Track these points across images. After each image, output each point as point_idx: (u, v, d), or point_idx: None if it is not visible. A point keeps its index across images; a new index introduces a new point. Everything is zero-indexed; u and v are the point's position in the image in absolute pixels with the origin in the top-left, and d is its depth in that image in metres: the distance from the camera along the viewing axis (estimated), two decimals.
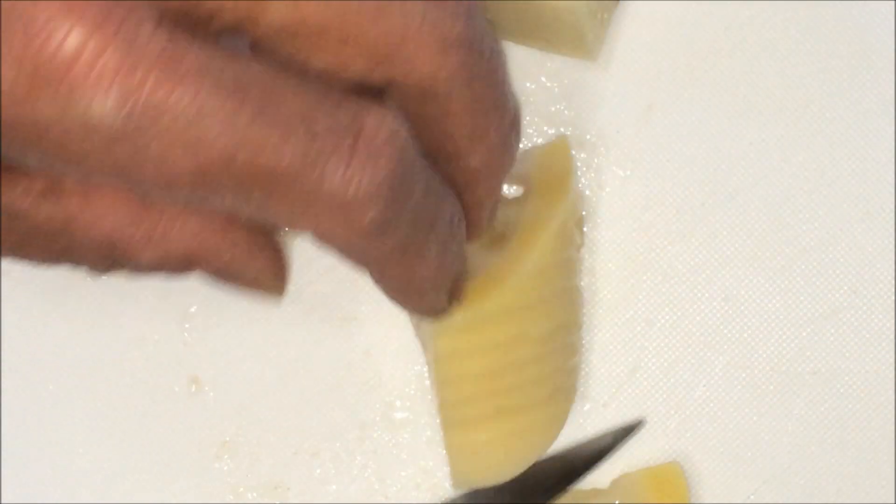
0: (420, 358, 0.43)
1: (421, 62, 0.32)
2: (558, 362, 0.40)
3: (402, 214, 0.33)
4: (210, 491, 0.43)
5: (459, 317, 0.38)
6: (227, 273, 0.37)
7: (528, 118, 0.43)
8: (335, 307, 0.43)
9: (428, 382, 0.43)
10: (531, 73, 0.43)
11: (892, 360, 0.43)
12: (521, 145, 0.37)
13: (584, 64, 0.43)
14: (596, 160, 0.43)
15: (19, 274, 0.43)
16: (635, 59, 0.43)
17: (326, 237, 0.32)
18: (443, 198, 0.35)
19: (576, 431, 0.43)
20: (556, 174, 0.41)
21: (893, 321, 0.43)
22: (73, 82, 0.28)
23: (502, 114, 0.35)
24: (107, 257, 0.35)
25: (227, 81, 0.30)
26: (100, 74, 0.28)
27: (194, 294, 0.43)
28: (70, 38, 0.28)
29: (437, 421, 0.42)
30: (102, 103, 0.28)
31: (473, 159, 0.35)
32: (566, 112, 0.43)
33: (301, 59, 0.32)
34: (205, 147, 0.30)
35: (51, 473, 0.43)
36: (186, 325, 0.43)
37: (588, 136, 0.43)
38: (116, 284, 0.43)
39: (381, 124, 0.32)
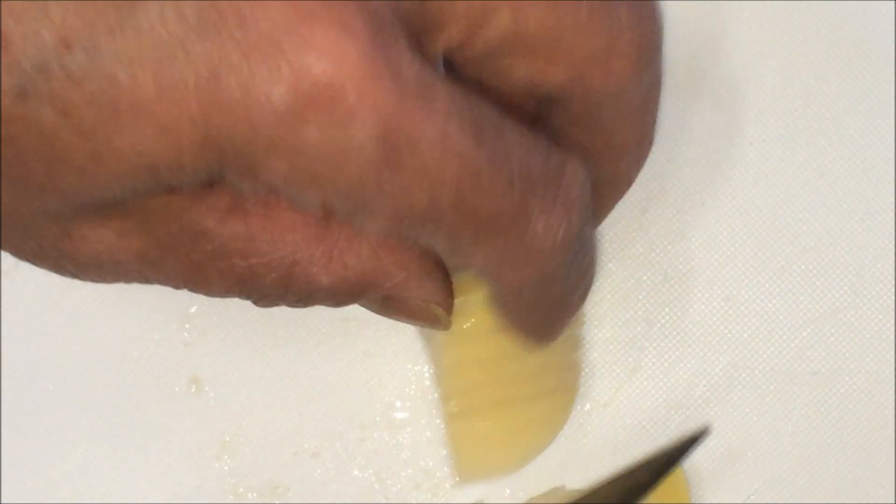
0: (420, 358, 0.43)
1: (619, 73, 0.33)
2: (561, 354, 0.40)
3: (576, 263, 0.34)
4: (210, 491, 0.43)
5: (465, 303, 0.38)
6: (395, 298, 0.36)
7: None
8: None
9: (429, 382, 0.43)
10: None
11: (892, 360, 0.43)
12: None
13: None
14: None
15: (19, 274, 0.43)
16: None
17: (503, 278, 0.33)
18: (594, 245, 0.36)
19: (576, 432, 0.43)
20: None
21: (893, 321, 0.43)
22: (346, 109, 0.28)
23: (655, 115, 0.36)
24: (284, 281, 0.34)
25: (469, 119, 0.30)
26: (372, 103, 0.28)
27: (194, 294, 0.43)
28: (348, 65, 0.28)
29: (438, 421, 0.43)
30: (367, 131, 0.28)
31: (622, 162, 0.36)
32: None
33: (496, 81, 0.32)
34: (441, 185, 0.29)
35: (51, 473, 0.43)
36: (186, 325, 0.43)
37: None
38: (117, 284, 0.43)
39: (576, 174, 0.32)
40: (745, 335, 0.43)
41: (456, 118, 0.29)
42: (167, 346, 0.43)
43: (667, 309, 0.43)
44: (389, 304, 0.37)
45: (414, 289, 0.36)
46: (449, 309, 0.37)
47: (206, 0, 0.27)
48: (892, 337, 0.43)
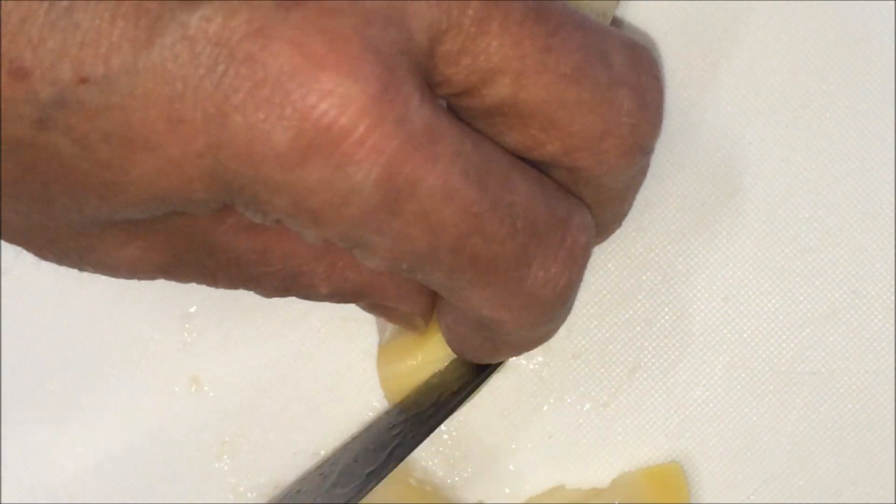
0: None
1: (609, 158, 0.33)
2: None
3: (568, 307, 0.34)
4: (210, 491, 0.43)
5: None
6: (384, 307, 0.38)
7: None
8: (335, 307, 0.43)
9: None
10: None
11: (892, 360, 0.43)
12: None
13: None
14: None
15: (19, 274, 0.43)
16: None
17: (503, 324, 0.33)
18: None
19: (575, 431, 0.43)
20: None
21: (893, 321, 0.43)
22: (346, 152, 0.28)
23: (633, 199, 0.37)
24: (286, 285, 0.35)
25: (474, 165, 0.30)
26: (373, 147, 0.28)
27: (194, 294, 0.43)
28: (351, 109, 0.28)
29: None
30: (367, 175, 0.28)
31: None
32: None
33: (495, 132, 0.32)
34: (441, 229, 0.30)
35: (51, 473, 0.43)
36: (186, 325, 0.43)
37: None
38: (116, 284, 0.43)
39: (584, 225, 0.33)
40: (745, 335, 0.43)
41: (460, 164, 0.29)
42: (167, 346, 0.43)
43: (666, 309, 0.43)
44: (377, 308, 0.39)
45: (404, 304, 0.37)
46: (427, 320, 0.39)
47: (217, 44, 0.28)
48: (892, 337, 0.43)
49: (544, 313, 0.33)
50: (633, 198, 0.37)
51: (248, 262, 0.34)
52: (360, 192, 0.29)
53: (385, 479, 0.38)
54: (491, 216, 0.30)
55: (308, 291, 0.36)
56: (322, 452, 0.43)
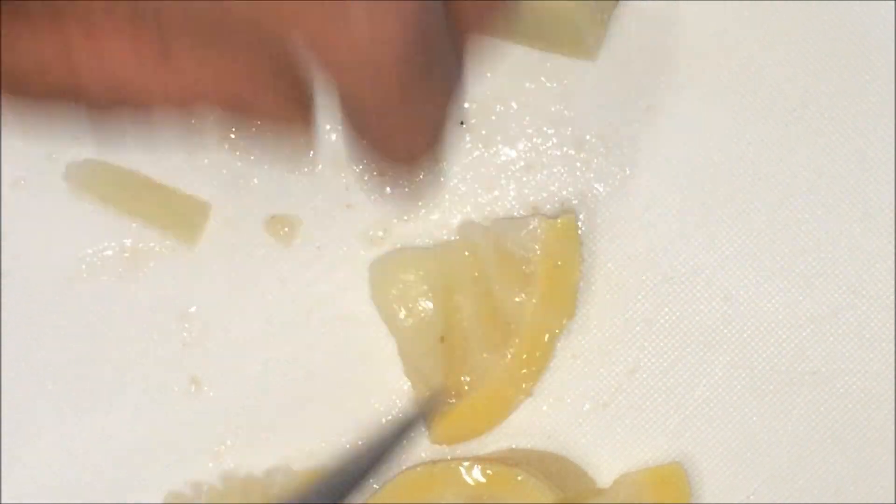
0: None
1: None
2: None
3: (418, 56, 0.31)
4: (209, 490, 0.43)
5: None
6: (241, 110, 0.34)
7: (528, 118, 0.43)
8: (335, 305, 0.43)
9: None
10: (531, 73, 0.43)
11: (892, 360, 0.43)
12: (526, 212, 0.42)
13: (584, 64, 0.43)
14: (595, 160, 0.43)
15: (19, 274, 0.43)
16: (635, 59, 0.43)
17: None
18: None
19: (575, 431, 0.43)
20: (562, 267, 0.42)
21: (893, 321, 0.43)
22: None
23: None
24: (114, 98, 0.32)
25: None
26: None
27: (194, 294, 0.43)
28: None
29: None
30: None
31: None
32: (566, 112, 0.43)
33: None
34: None
35: (51, 473, 0.43)
36: (186, 325, 0.43)
37: (588, 137, 0.43)
38: (117, 284, 0.43)
39: None
40: (745, 335, 0.43)
41: None
42: (166, 346, 0.43)
43: (666, 309, 0.43)
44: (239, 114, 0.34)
45: (265, 111, 0.34)
46: (308, 126, 0.35)
47: None
48: (892, 337, 0.43)
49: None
50: None
51: (56, 65, 0.31)
52: None
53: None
54: None
55: (141, 108, 0.32)
56: (321, 452, 0.43)
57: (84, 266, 0.43)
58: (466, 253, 0.42)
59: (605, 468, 0.43)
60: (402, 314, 0.41)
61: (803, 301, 0.43)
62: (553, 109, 0.43)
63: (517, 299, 0.41)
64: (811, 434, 0.43)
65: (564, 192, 0.43)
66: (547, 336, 0.42)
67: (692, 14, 0.43)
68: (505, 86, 0.43)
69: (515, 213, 0.43)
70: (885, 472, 0.43)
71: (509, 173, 0.43)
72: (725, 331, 0.43)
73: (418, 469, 0.42)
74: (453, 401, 0.41)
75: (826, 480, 0.43)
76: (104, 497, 0.42)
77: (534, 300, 0.41)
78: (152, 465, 0.42)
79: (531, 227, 0.41)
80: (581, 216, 0.43)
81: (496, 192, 0.43)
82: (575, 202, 0.43)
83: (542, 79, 0.43)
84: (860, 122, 0.43)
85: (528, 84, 0.43)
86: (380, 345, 0.43)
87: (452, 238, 0.43)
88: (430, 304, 0.41)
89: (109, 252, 0.42)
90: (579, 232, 0.42)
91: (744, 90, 0.43)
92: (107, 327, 0.43)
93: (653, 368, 0.43)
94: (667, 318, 0.43)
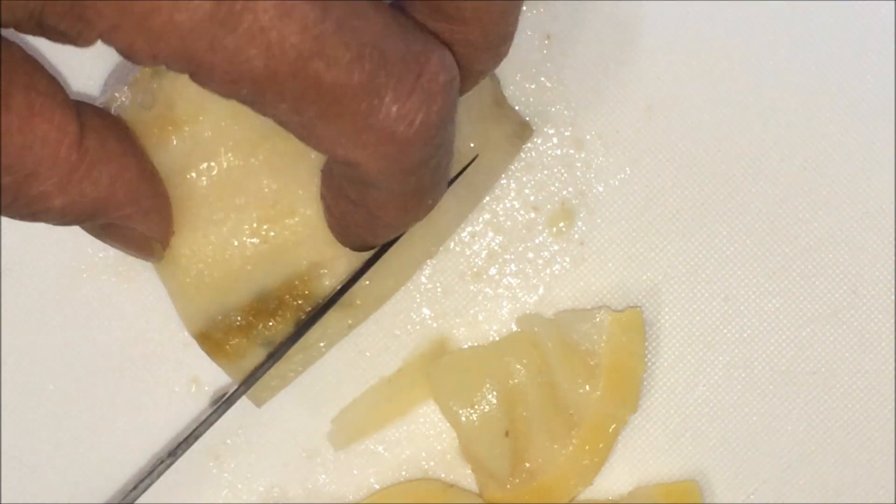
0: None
1: None
2: None
3: (435, 158, 0.33)
4: (209, 491, 0.43)
5: None
6: (120, 230, 0.37)
7: (527, 118, 0.43)
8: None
9: None
10: (531, 73, 0.43)
11: (891, 359, 0.43)
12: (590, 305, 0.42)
13: (583, 63, 0.43)
14: (595, 160, 0.43)
15: (19, 274, 0.43)
16: (635, 60, 0.43)
17: (362, 166, 0.32)
18: (452, 144, 0.34)
19: None
20: (627, 361, 0.42)
21: (892, 321, 0.43)
22: None
23: (517, 14, 0.35)
24: (16, 188, 0.33)
25: None
26: None
27: None
28: None
29: (436, 420, 0.43)
30: None
31: (479, 59, 0.35)
32: (566, 112, 0.43)
33: None
34: (279, 50, 0.29)
35: (51, 473, 0.43)
36: None
37: (588, 137, 0.43)
38: (117, 284, 0.43)
39: (443, 64, 0.31)
40: (745, 335, 0.43)
41: None
42: (167, 347, 0.43)
43: (666, 309, 0.43)
44: (110, 231, 0.37)
45: (141, 223, 0.36)
46: (165, 245, 0.38)
47: None
48: (891, 337, 0.43)
49: (404, 153, 0.32)
50: (516, 12, 0.35)
51: None
52: (191, 4, 0.28)
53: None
54: (334, 38, 0.29)
55: (40, 202, 0.34)
56: (321, 452, 0.43)
57: (84, 266, 0.43)
58: (528, 345, 0.42)
59: (620, 480, 0.43)
60: (466, 412, 0.41)
61: (803, 301, 0.43)
62: (553, 109, 0.43)
63: (581, 391, 0.41)
64: (811, 434, 0.43)
65: (564, 193, 0.43)
66: (611, 427, 0.42)
67: (691, 15, 0.43)
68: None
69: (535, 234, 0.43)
70: (885, 471, 0.43)
71: (509, 173, 0.43)
72: (725, 330, 0.43)
73: None
74: (514, 484, 0.41)
75: (826, 480, 0.43)
76: (103, 497, 0.42)
77: (598, 392, 0.41)
78: (151, 464, 0.42)
79: (597, 319, 0.42)
80: (582, 215, 0.43)
81: (497, 192, 0.43)
82: (575, 202, 0.43)
83: (542, 79, 0.43)
84: (859, 122, 0.43)
85: (528, 84, 0.43)
86: (380, 345, 0.43)
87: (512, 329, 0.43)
88: (493, 400, 0.41)
89: (110, 252, 0.42)
90: (643, 326, 0.43)
91: (743, 90, 0.43)
92: (107, 327, 0.43)
93: (653, 368, 0.43)
94: (667, 318, 0.43)
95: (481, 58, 0.34)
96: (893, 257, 0.43)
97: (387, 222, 0.36)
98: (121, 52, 0.30)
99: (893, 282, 0.43)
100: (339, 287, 0.40)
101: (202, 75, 0.30)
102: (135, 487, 0.41)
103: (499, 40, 0.34)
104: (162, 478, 0.41)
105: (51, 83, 0.33)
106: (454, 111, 0.33)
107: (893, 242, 0.43)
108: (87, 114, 0.34)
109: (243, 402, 0.41)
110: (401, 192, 0.34)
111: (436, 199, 0.36)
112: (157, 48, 0.29)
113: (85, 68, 0.31)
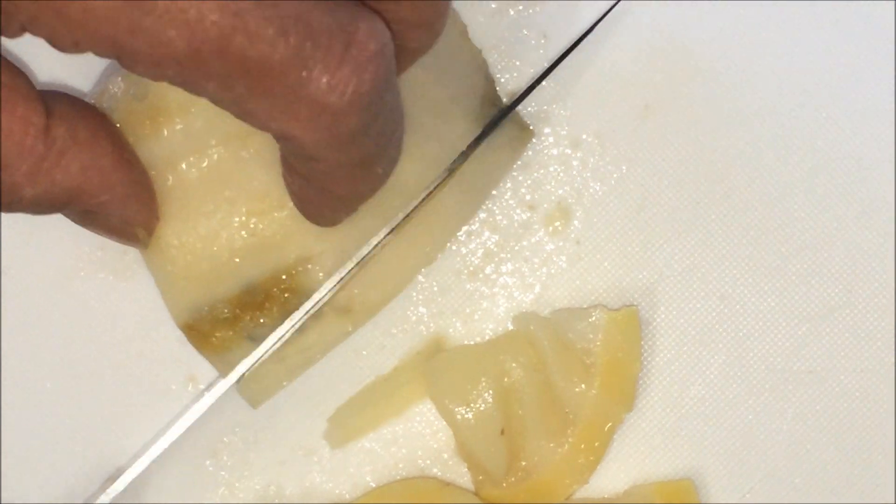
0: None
1: None
2: None
3: (374, 127, 0.33)
4: (207, 489, 0.43)
5: None
6: (99, 217, 0.37)
7: (523, 118, 0.43)
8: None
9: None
10: (527, 72, 0.43)
11: (889, 358, 0.43)
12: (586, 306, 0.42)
13: (579, 63, 0.43)
14: (592, 160, 0.43)
15: (19, 274, 0.43)
16: (632, 60, 0.43)
17: (298, 139, 0.32)
18: (401, 114, 0.34)
19: None
20: (623, 360, 0.42)
21: (890, 320, 0.43)
22: None
23: None
24: None
25: None
26: None
27: None
28: None
29: (435, 420, 0.43)
30: None
31: (415, 34, 0.34)
32: (563, 112, 0.43)
33: None
34: (200, 29, 0.29)
35: (50, 473, 0.43)
36: None
37: (584, 136, 0.43)
38: (116, 283, 0.43)
39: (373, 33, 0.31)
40: (741, 333, 0.43)
41: None
42: (164, 345, 0.43)
43: (663, 308, 0.43)
44: (90, 218, 0.37)
45: (119, 209, 0.37)
46: (150, 231, 0.38)
47: None
48: (889, 335, 0.43)
49: (339, 123, 0.32)
50: None
51: None
52: None
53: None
54: (255, 13, 0.29)
55: (10, 193, 0.34)
56: (318, 451, 0.43)
57: (81, 264, 0.43)
58: (524, 344, 0.42)
59: (615, 478, 0.43)
60: (462, 410, 0.41)
61: (799, 299, 0.43)
62: (550, 109, 0.43)
63: (577, 389, 0.41)
64: (807, 433, 0.43)
65: (561, 192, 0.43)
66: (607, 426, 0.42)
67: (690, 15, 0.43)
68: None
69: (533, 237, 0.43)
70: (883, 470, 0.43)
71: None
72: (721, 329, 0.43)
73: None
74: (510, 483, 0.42)
75: (823, 479, 0.43)
76: (103, 496, 0.43)
77: (594, 391, 0.41)
78: (151, 463, 0.42)
79: (592, 318, 0.42)
80: (578, 214, 0.43)
81: (493, 192, 0.43)
82: (571, 201, 0.43)
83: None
84: (856, 122, 0.43)
85: (524, 84, 0.43)
86: (379, 345, 0.43)
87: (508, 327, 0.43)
88: (489, 398, 0.41)
89: (107, 250, 0.42)
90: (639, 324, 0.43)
91: (740, 90, 0.43)
92: (104, 325, 0.43)
93: (649, 368, 0.43)
94: (663, 317, 0.43)
95: (414, 34, 0.34)
96: (890, 256, 0.43)
97: (339, 194, 0.36)
98: (47, 41, 0.30)
99: (892, 280, 0.43)
100: (334, 284, 0.40)
101: (127, 59, 0.30)
102: (131, 485, 0.41)
103: (432, 16, 0.34)
104: (159, 476, 0.41)
105: (13, 75, 0.33)
106: (391, 79, 0.33)
107: (891, 241, 0.43)
108: (56, 103, 0.34)
109: (239, 401, 0.41)
110: (346, 162, 0.34)
111: (387, 169, 0.36)
112: (77, 35, 0.29)
113: (81, 59, 0.31)
